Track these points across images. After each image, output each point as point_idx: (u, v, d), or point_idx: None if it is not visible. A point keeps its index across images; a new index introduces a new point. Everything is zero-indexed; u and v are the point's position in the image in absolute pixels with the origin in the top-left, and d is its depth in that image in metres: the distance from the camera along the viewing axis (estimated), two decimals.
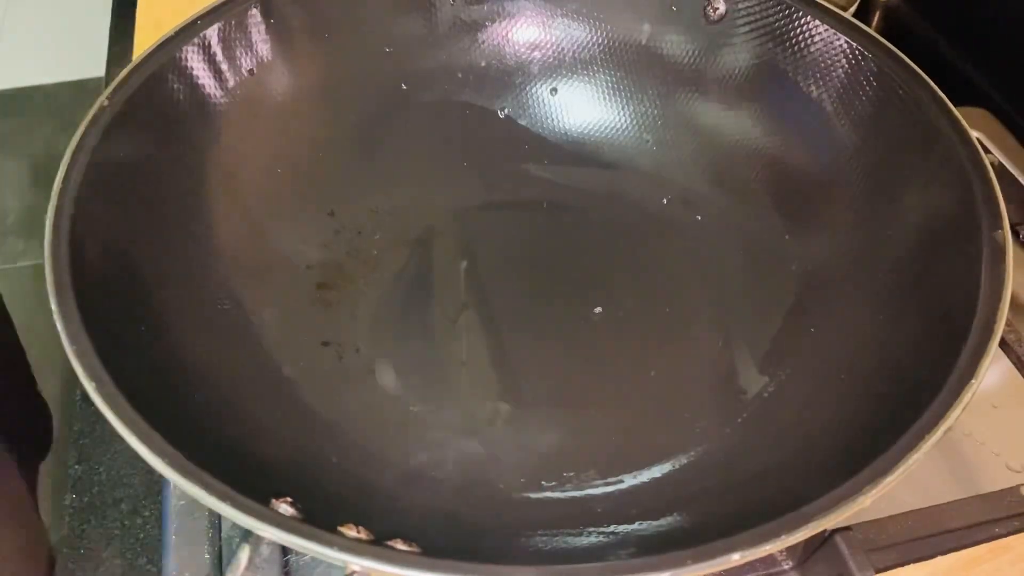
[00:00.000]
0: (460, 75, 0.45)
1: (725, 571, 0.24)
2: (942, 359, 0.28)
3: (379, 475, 0.32)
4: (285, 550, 0.31)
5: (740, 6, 0.41)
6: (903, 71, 0.36)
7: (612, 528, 0.30)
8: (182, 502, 0.33)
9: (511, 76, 0.45)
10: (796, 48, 0.40)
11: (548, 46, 0.45)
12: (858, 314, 0.35)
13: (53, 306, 0.27)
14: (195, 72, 0.37)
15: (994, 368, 0.28)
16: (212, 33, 0.37)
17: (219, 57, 0.37)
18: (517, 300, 0.40)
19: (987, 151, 0.40)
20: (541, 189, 0.44)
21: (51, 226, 0.29)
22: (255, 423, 0.31)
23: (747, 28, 0.41)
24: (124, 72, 0.34)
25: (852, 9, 0.49)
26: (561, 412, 0.36)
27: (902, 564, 0.30)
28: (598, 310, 0.39)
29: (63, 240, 0.29)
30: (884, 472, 0.24)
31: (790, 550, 0.31)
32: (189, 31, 0.37)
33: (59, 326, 0.26)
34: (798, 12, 0.39)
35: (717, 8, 0.41)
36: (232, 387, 0.32)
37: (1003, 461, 0.35)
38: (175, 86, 0.36)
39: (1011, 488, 0.32)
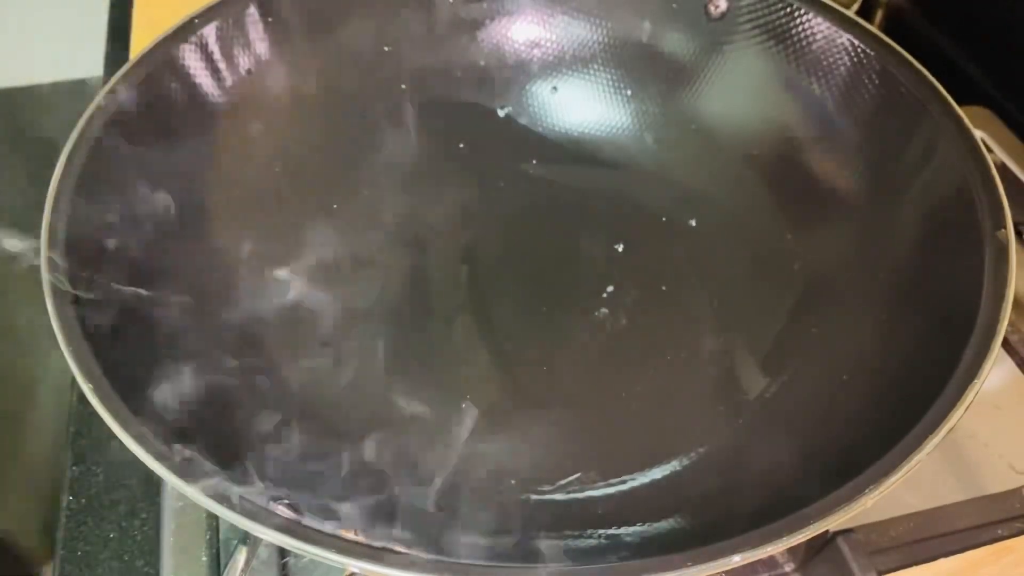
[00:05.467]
0: (459, 74, 0.44)
1: (726, 573, 0.24)
2: (945, 359, 0.28)
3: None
4: (283, 552, 0.31)
5: (742, 4, 0.41)
6: (906, 70, 0.36)
7: (613, 530, 0.30)
8: (180, 504, 0.33)
9: (511, 75, 0.45)
10: (798, 46, 0.39)
11: (548, 44, 0.45)
12: (860, 314, 0.34)
13: (49, 307, 0.27)
14: (192, 71, 0.36)
15: (997, 369, 0.28)
16: (209, 32, 0.37)
17: (217, 56, 0.37)
18: (517, 300, 0.39)
19: (990, 150, 0.40)
20: (541, 188, 0.44)
21: (47, 226, 0.29)
22: (254, 425, 0.31)
23: (749, 26, 0.41)
24: (121, 71, 0.34)
25: (855, 7, 0.48)
26: (562, 414, 0.35)
27: (905, 566, 0.29)
28: (601, 307, 0.39)
29: (59, 241, 0.29)
30: (886, 473, 0.24)
31: (792, 552, 0.31)
32: (186, 30, 0.36)
33: (55, 327, 0.26)
34: (800, 9, 0.39)
35: (719, 6, 0.41)
36: (231, 389, 0.31)
37: (1007, 462, 0.35)
38: (172, 85, 0.36)
39: (1014, 490, 0.32)
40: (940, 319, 0.31)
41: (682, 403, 0.35)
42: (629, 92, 0.45)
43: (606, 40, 0.44)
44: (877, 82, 0.37)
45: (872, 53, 0.37)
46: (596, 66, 0.45)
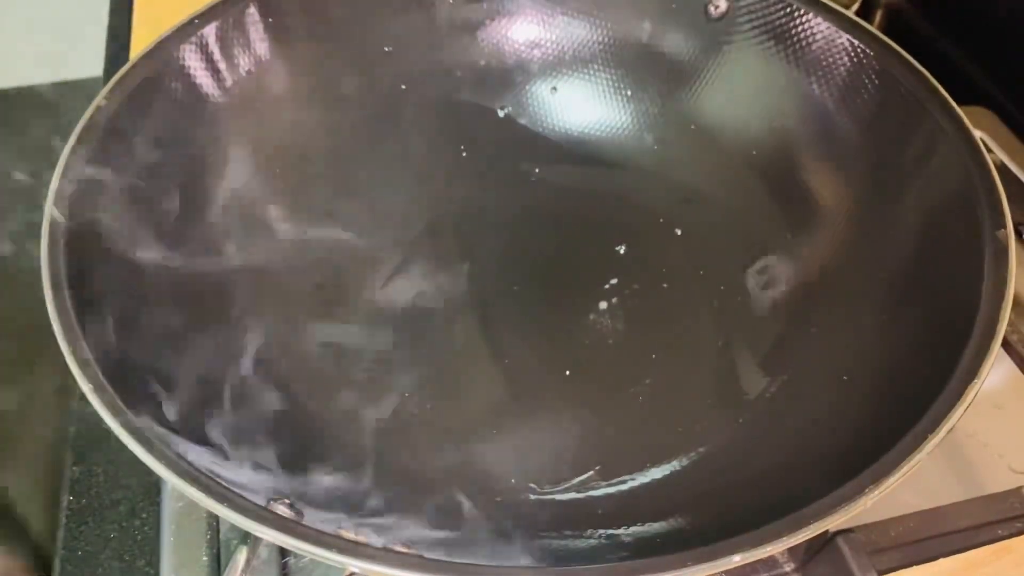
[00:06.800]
0: (460, 74, 0.44)
1: (726, 573, 0.24)
2: (944, 359, 0.28)
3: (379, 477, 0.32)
4: (283, 552, 0.31)
5: (742, 4, 0.41)
6: (905, 70, 0.36)
7: (613, 530, 0.30)
8: (180, 504, 0.33)
9: (511, 75, 0.45)
10: (798, 46, 0.39)
11: (548, 44, 0.45)
12: (860, 314, 0.34)
13: (50, 308, 0.27)
14: (193, 72, 0.36)
15: (997, 368, 0.28)
16: (210, 32, 0.37)
17: (217, 57, 0.37)
18: (517, 300, 0.39)
19: (990, 150, 0.40)
20: (541, 188, 0.44)
21: (47, 227, 0.29)
22: (256, 426, 0.31)
23: (748, 26, 0.41)
24: (121, 72, 0.34)
25: (854, 7, 0.48)
26: (562, 414, 0.35)
27: (904, 566, 0.29)
28: (602, 306, 0.39)
29: (60, 241, 0.29)
30: (886, 473, 0.24)
31: (792, 552, 0.31)
32: (187, 30, 0.36)
33: (56, 328, 0.26)
34: (800, 10, 0.39)
35: (718, 6, 0.41)
36: (231, 389, 0.31)
37: (1006, 462, 0.35)
38: (173, 86, 0.36)
39: (1014, 489, 0.32)
40: (940, 319, 0.31)
41: (682, 403, 0.35)
42: (629, 92, 0.45)
43: (606, 40, 0.44)
44: (877, 82, 0.37)
45: (872, 53, 0.37)
46: (596, 66, 0.45)
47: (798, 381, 0.35)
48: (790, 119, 0.40)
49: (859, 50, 0.37)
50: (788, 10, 0.39)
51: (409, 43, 0.43)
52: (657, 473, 0.33)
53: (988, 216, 0.31)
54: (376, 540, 0.24)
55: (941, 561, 0.30)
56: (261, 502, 0.24)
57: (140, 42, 0.50)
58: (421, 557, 0.23)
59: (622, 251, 0.41)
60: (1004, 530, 0.31)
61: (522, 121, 0.45)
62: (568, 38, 0.44)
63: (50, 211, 0.29)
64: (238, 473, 0.26)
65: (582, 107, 0.45)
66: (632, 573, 0.22)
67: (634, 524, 0.30)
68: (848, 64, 0.38)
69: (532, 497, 0.32)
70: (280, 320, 0.36)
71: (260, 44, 0.39)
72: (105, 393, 0.25)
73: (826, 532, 0.28)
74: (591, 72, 0.45)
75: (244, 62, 0.38)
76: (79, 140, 0.32)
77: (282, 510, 0.24)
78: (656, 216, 0.42)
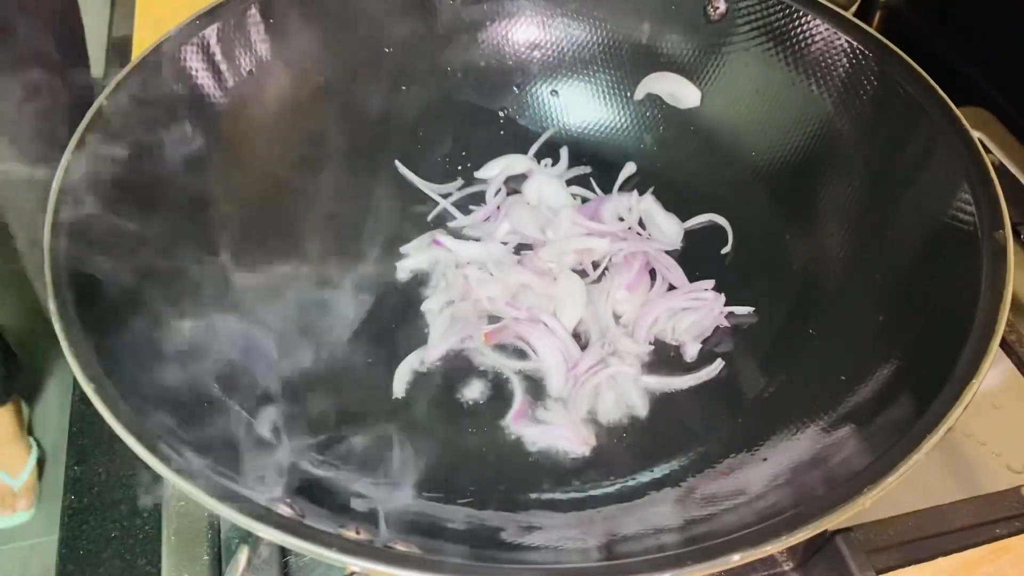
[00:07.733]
0: (460, 75, 0.45)
1: (726, 572, 0.24)
2: (943, 359, 0.28)
3: (381, 476, 0.32)
4: (284, 551, 0.31)
5: (741, 5, 0.41)
6: (904, 71, 0.36)
7: (612, 530, 0.30)
8: (181, 503, 0.33)
9: (511, 76, 0.45)
10: (797, 47, 0.40)
11: (548, 46, 0.45)
12: (858, 314, 0.35)
13: (52, 308, 0.27)
14: (194, 72, 0.37)
15: (995, 369, 0.28)
16: (211, 33, 0.37)
17: (218, 57, 0.37)
18: None
19: (988, 151, 0.40)
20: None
21: (50, 227, 0.29)
22: (257, 427, 0.31)
23: (747, 27, 0.41)
24: (123, 72, 0.34)
25: (853, 9, 0.49)
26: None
27: (903, 565, 0.30)
28: None
29: (62, 242, 0.29)
30: (884, 473, 0.24)
31: (791, 551, 0.31)
32: (188, 31, 0.37)
33: (57, 328, 0.26)
34: (799, 11, 0.39)
35: (718, 7, 0.41)
36: (233, 390, 0.31)
37: (1004, 462, 0.35)
38: (174, 86, 0.36)
39: (1012, 489, 0.32)
40: (938, 319, 0.31)
41: (682, 403, 0.36)
42: (629, 93, 0.45)
43: (605, 42, 0.44)
44: (875, 83, 0.37)
45: (870, 55, 0.37)
46: (595, 67, 0.45)
47: (796, 382, 0.35)
48: (789, 120, 0.40)
49: (858, 51, 0.38)
50: (787, 12, 0.40)
51: (410, 44, 0.43)
52: (657, 472, 0.33)
53: (986, 217, 0.31)
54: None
55: (939, 560, 0.30)
56: (262, 502, 0.24)
57: (141, 43, 0.50)
58: (420, 556, 0.23)
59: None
60: (1002, 529, 0.31)
61: (522, 122, 0.45)
62: (568, 39, 0.45)
63: (52, 212, 0.29)
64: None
65: (582, 107, 0.45)
66: (632, 571, 0.23)
67: (633, 524, 0.30)
68: (847, 65, 0.38)
69: (532, 497, 0.32)
70: (282, 321, 0.36)
71: (261, 45, 0.39)
72: (105, 392, 0.25)
73: (825, 531, 0.28)
74: (591, 73, 0.45)
75: (245, 63, 0.39)
76: (81, 140, 0.32)
77: (283, 510, 0.24)
78: None
